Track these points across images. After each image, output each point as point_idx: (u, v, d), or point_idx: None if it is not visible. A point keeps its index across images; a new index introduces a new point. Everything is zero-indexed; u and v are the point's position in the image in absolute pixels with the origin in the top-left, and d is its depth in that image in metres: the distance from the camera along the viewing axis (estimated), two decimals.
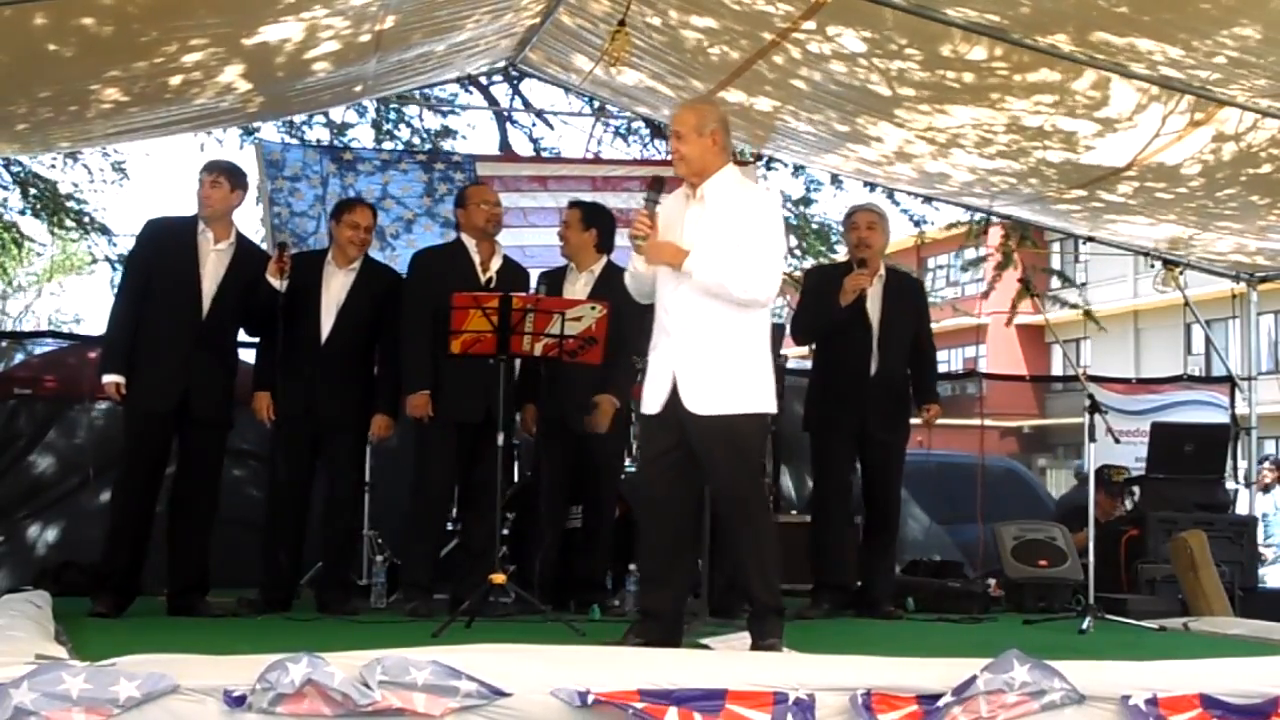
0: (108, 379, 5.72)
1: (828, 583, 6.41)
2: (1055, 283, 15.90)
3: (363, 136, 11.62)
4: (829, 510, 6.45)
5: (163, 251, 5.83)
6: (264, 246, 6.79)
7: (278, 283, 5.81)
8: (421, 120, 11.84)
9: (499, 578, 5.24)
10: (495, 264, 6.16)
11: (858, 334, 6.32)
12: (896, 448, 6.50)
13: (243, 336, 6.16)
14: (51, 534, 7.33)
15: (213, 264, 5.81)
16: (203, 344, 5.75)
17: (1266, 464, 10.40)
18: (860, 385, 6.30)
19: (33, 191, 11.88)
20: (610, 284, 6.23)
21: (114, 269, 12.30)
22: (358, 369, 6.10)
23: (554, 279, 6.30)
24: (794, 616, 6.20)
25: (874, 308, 6.36)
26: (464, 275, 6.03)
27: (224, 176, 5.87)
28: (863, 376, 6.30)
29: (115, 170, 12.29)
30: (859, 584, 6.53)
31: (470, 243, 6.18)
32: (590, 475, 6.41)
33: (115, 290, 6.09)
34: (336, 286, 6.09)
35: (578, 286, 6.27)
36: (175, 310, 5.74)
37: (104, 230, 12.52)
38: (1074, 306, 13.40)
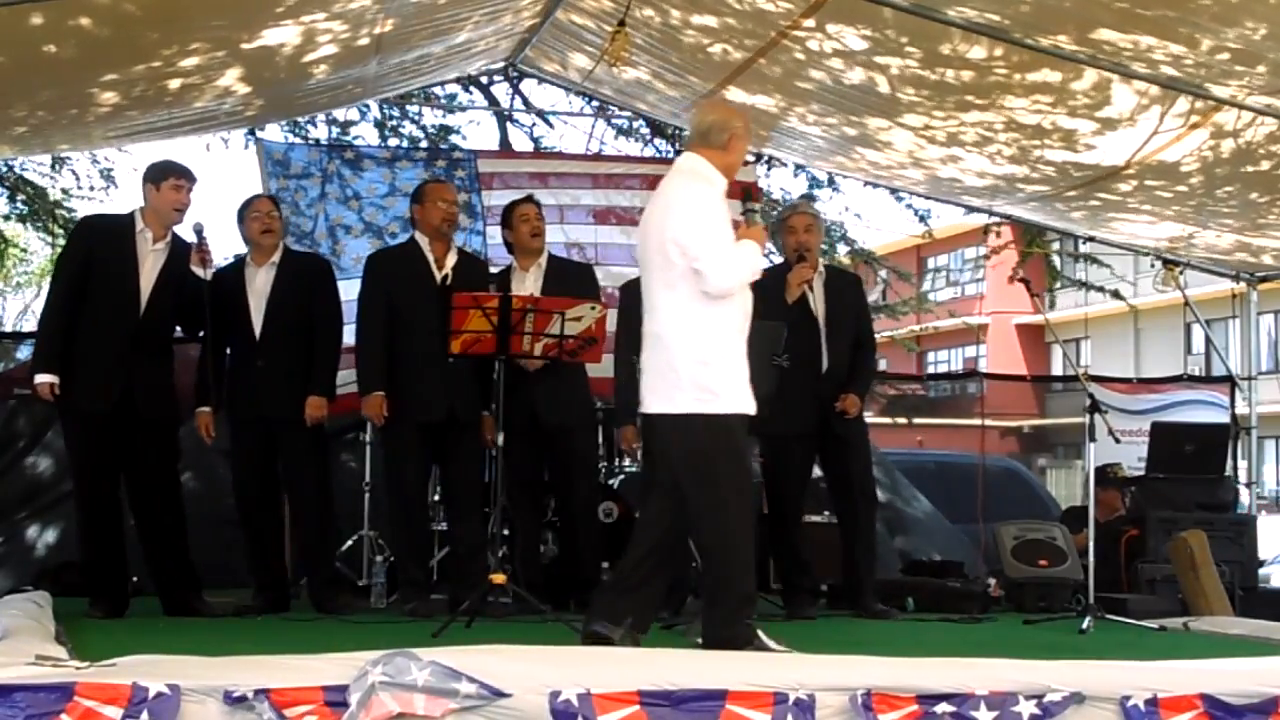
0: (40, 379, 5.63)
1: (798, 585, 6.40)
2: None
3: (366, 135, 11.61)
4: (787, 512, 6.44)
5: (100, 250, 5.76)
6: None
7: (202, 272, 5.78)
8: (420, 117, 11.81)
9: (499, 578, 5.24)
10: (450, 260, 6.13)
11: (806, 331, 6.29)
12: (859, 440, 6.47)
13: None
14: (51, 535, 7.32)
15: (150, 263, 5.76)
16: (140, 344, 5.70)
17: None
18: (813, 382, 6.27)
19: (20, 197, 11.82)
20: (561, 277, 6.26)
21: None
22: (298, 362, 6.02)
23: (499, 280, 6.24)
24: (791, 617, 6.22)
25: (818, 305, 6.36)
26: (419, 275, 6.04)
27: (192, 181, 5.85)
28: (815, 373, 6.28)
29: (104, 178, 12.21)
30: (839, 582, 6.51)
31: (424, 241, 6.14)
32: (563, 472, 6.41)
33: (47, 289, 6.00)
34: (260, 284, 6.04)
35: (525, 287, 6.25)
36: (113, 310, 5.68)
37: None
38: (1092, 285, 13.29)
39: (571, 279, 6.31)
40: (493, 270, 6.61)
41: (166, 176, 5.78)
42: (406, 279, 6.04)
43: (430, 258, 6.10)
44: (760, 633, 4.48)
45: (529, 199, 6.57)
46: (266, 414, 5.94)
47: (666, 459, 4.58)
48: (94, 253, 5.76)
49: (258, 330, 5.99)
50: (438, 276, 6.06)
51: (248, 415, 5.97)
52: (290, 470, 6.09)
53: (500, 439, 5.50)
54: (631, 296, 6.37)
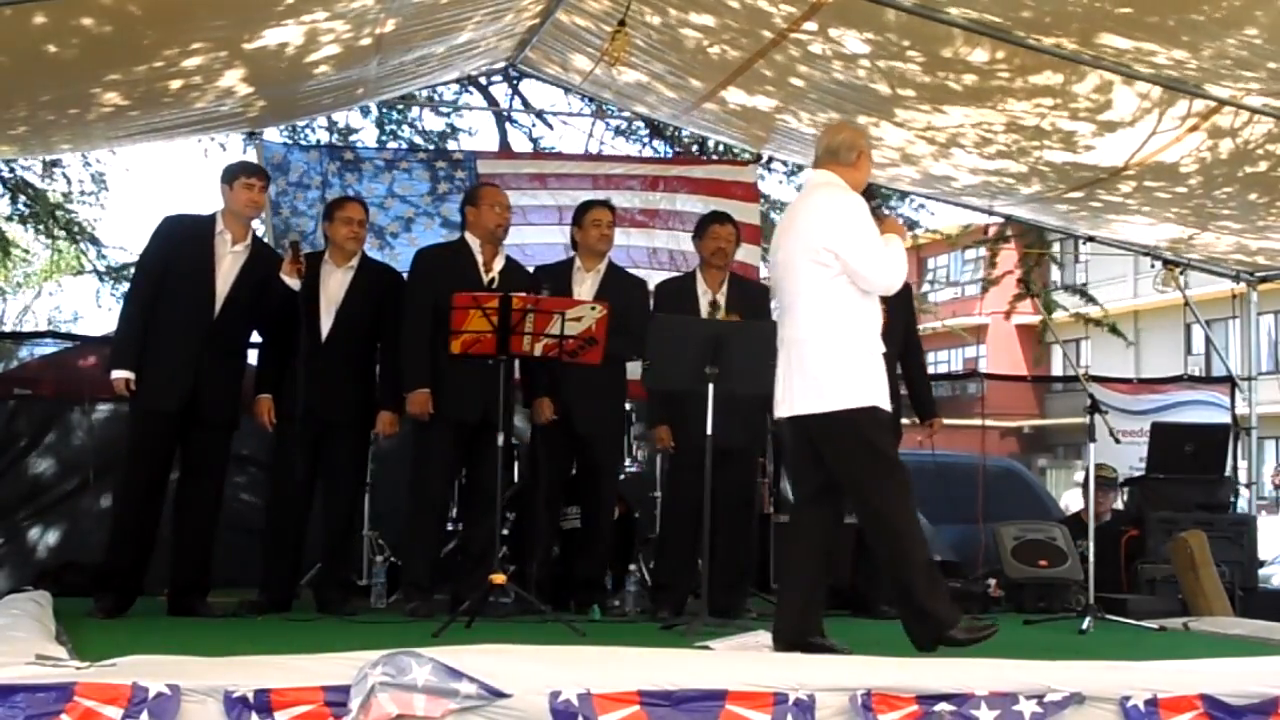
0: (117, 374, 5.69)
1: None
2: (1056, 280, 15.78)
3: (366, 138, 11.63)
4: None
5: (178, 250, 5.82)
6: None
7: (293, 282, 5.80)
8: (421, 120, 11.83)
9: (499, 578, 5.25)
10: (498, 265, 6.15)
11: None
12: None
13: (253, 338, 6.17)
14: (52, 535, 7.33)
15: (228, 265, 5.81)
16: (212, 345, 5.74)
17: None
18: None
19: (22, 199, 11.85)
20: (617, 284, 6.26)
21: (101, 280, 12.25)
22: (358, 369, 6.08)
23: (558, 276, 6.24)
24: None
25: None
26: (467, 275, 6.01)
27: (263, 179, 5.93)
28: None
29: (95, 182, 12.21)
30: (841, 583, 6.49)
31: (475, 243, 6.16)
32: (589, 476, 6.41)
33: (128, 286, 6.10)
34: (335, 286, 6.07)
35: (584, 287, 6.29)
36: (187, 309, 5.73)
37: (94, 240, 12.48)
38: (1088, 316, 13.29)
39: (624, 290, 6.33)
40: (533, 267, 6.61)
41: (238, 176, 5.87)
42: (454, 278, 5.96)
43: (480, 260, 6.11)
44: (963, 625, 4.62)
45: (606, 203, 6.62)
46: (319, 414, 5.91)
47: (820, 459, 4.71)
48: (174, 252, 5.81)
49: (324, 331, 6.01)
50: (485, 278, 6.07)
51: (299, 413, 5.93)
52: (331, 472, 6.07)
53: (500, 439, 5.49)
54: (666, 297, 6.41)
